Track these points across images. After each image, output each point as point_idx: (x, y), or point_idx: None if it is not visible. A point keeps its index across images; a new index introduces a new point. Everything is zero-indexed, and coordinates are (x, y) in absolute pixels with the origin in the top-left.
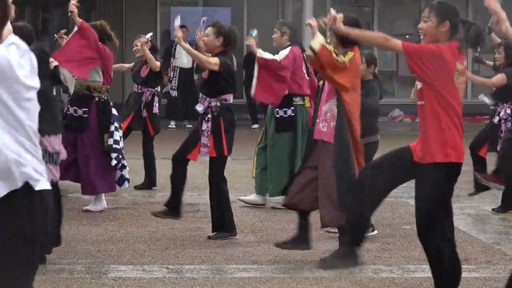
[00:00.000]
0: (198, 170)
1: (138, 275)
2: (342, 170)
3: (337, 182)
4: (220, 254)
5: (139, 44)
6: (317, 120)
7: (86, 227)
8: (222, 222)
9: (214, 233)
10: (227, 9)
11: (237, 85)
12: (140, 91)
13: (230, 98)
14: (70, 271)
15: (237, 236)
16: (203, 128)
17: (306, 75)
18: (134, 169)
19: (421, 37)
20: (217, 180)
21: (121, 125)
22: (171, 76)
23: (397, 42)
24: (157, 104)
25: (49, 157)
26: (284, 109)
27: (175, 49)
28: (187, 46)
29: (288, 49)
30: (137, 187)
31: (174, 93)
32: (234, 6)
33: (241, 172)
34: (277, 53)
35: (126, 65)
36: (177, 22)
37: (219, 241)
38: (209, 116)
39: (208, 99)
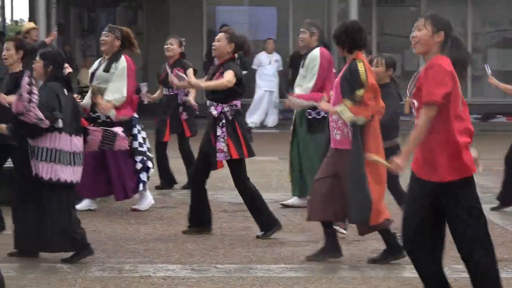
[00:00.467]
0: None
1: (187, 274)
2: (357, 177)
3: (351, 189)
4: (268, 254)
5: (174, 44)
6: (330, 129)
7: (135, 226)
8: (268, 221)
9: (262, 232)
10: (273, 8)
11: (283, 85)
12: (172, 93)
13: (239, 103)
14: (119, 270)
15: (286, 236)
16: (217, 134)
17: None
18: (180, 169)
19: (413, 45)
20: (243, 182)
21: (163, 131)
22: None
23: (428, 108)
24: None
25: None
26: (317, 111)
27: None
28: (198, 83)
29: (317, 67)
30: (184, 187)
31: None
32: (280, 5)
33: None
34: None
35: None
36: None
37: (267, 241)
38: (223, 121)
39: (220, 104)
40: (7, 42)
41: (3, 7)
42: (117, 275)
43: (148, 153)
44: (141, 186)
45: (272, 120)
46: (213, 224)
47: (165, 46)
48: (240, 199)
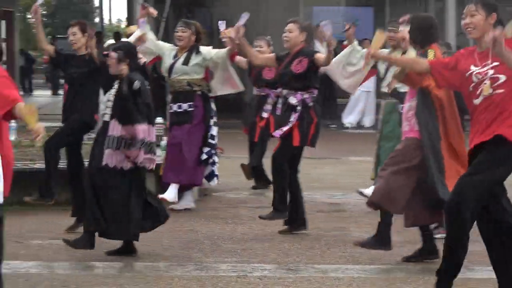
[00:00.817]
0: (340, 170)
1: (283, 274)
2: (435, 165)
3: (431, 178)
4: (364, 254)
5: (264, 45)
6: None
7: (231, 225)
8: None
9: (272, 213)
10: (369, 9)
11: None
12: (262, 93)
13: (316, 91)
14: (216, 270)
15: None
16: (290, 120)
17: None
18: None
19: (468, 31)
20: (280, 161)
21: (255, 130)
22: None
23: None
24: (280, 105)
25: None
26: None
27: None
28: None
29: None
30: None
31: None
32: (376, 5)
33: None
34: None
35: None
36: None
37: None
38: (299, 107)
39: (299, 92)
40: (72, 27)
41: (101, 8)
42: (214, 275)
43: (216, 148)
44: (215, 180)
45: (369, 120)
46: (309, 224)
47: (256, 49)
48: (336, 199)
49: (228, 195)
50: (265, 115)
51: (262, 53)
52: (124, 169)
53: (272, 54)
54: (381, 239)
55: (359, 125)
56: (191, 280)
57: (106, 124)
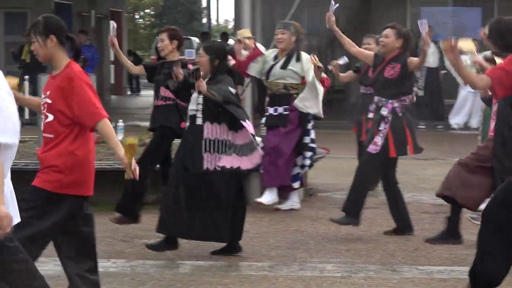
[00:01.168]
0: (447, 171)
1: (388, 275)
2: (501, 165)
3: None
4: (471, 256)
5: (372, 43)
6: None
7: (336, 226)
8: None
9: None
10: (477, 9)
11: None
12: (369, 92)
13: (407, 99)
14: (321, 270)
15: None
16: (379, 129)
17: None
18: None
19: None
20: (392, 179)
21: (361, 130)
22: (418, 75)
23: None
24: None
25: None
26: None
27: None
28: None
29: None
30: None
31: (421, 93)
32: (485, 6)
33: None
34: None
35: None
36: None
37: (469, 242)
38: (390, 117)
39: (390, 101)
40: (161, 33)
41: (208, 8)
42: (318, 275)
43: (316, 152)
44: (297, 184)
45: (476, 121)
46: (414, 225)
47: (363, 46)
48: (442, 201)
49: (334, 196)
50: (370, 115)
51: (370, 50)
52: (222, 171)
53: (371, 52)
54: (452, 233)
55: (466, 126)
56: (296, 281)
57: (197, 127)
